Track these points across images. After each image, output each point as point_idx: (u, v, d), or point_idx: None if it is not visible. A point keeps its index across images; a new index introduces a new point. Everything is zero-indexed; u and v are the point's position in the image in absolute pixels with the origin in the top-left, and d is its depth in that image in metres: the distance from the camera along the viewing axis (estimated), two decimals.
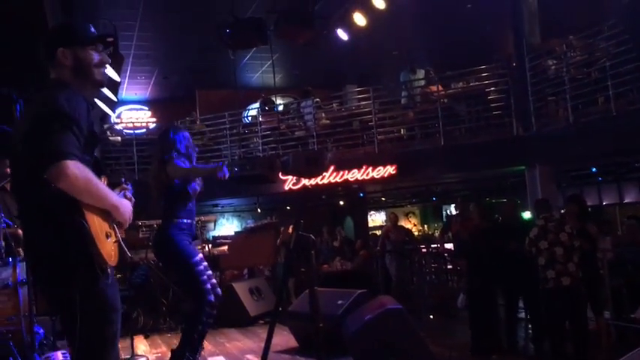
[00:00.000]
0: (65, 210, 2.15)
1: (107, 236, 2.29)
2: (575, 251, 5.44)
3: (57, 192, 2.10)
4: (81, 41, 2.42)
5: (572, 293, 5.45)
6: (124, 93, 14.56)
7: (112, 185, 2.68)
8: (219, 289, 4.44)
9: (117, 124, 14.33)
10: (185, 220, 4.36)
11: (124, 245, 2.44)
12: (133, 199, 2.70)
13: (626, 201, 14.08)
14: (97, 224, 2.23)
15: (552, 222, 5.60)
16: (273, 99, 12.33)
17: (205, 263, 4.43)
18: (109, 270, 2.27)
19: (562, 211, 6.98)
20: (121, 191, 2.63)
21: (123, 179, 2.80)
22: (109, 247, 2.28)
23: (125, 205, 2.40)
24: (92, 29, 2.48)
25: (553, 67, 8.81)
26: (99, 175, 2.42)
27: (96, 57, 2.43)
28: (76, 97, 2.26)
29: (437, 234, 14.94)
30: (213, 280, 4.47)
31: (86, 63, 2.41)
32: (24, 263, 4.30)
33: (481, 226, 6.34)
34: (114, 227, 2.39)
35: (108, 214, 2.33)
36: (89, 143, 2.29)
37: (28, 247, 2.37)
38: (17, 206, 2.41)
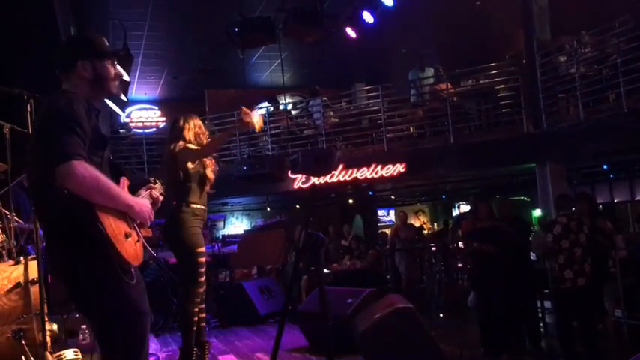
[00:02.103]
0: (79, 214, 2.15)
1: (127, 236, 2.28)
2: (591, 253, 5.41)
3: (69, 196, 2.11)
4: (99, 54, 2.46)
5: (587, 294, 5.42)
6: (134, 93, 14.63)
7: (138, 185, 2.69)
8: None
9: (128, 123, 14.42)
10: (199, 206, 4.38)
11: (146, 244, 2.43)
12: (162, 197, 2.70)
13: (637, 198, 13.97)
14: (113, 225, 2.22)
15: (574, 221, 5.55)
16: (278, 98, 12.33)
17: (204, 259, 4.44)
18: (132, 270, 2.27)
19: (572, 209, 6.93)
20: (147, 190, 2.64)
21: (151, 178, 2.80)
22: (129, 247, 2.27)
23: (141, 204, 2.38)
24: (107, 43, 2.53)
25: (562, 64, 8.76)
26: (119, 176, 2.43)
27: (112, 70, 2.49)
28: (75, 101, 2.28)
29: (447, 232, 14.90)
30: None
31: (104, 76, 2.46)
32: (35, 262, 4.33)
33: (488, 224, 6.29)
34: (134, 227, 2.38)
35: (125, 214, 2.32)
36: (97, 145, 2.31)
37: (51, 254, 2.39)
38: (35, 210, 2.45)
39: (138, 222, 2.40)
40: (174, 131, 4.54)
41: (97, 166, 2.25)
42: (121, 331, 2.24)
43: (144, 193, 2.63)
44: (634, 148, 8.09)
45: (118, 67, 2.54)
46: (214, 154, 4.70)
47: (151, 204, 2.54)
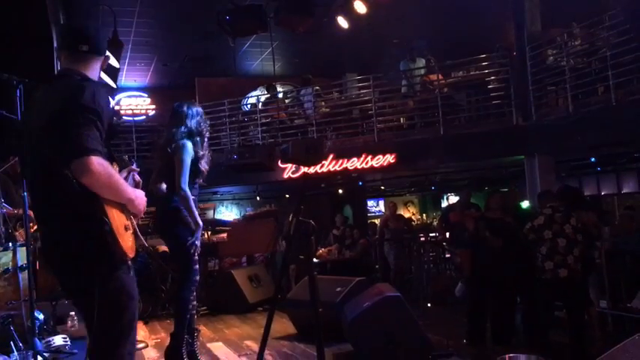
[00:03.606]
0: (87, 207, 2.18)
1: (126, 229, 2.33)
2: (577, 245, 5.46)
3: (78, 187, 2.12)
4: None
5: (568, 285, 5.49)
6: (124, 80, 14.51)
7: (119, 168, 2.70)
8: None
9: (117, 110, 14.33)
10: (191, 197, 4.38)
11: (139, 234, 2.47)
12: (141, 180, 2.72)
13: (624, 191, 14.11)
14: (116, 219, 2.26)
15: (560, 212, 5.60)
16: (275, 86, 12.28)
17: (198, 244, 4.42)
18: (129, 262, 2.31)
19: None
20: (129, 172, 2.65)
21: (131, 160, 2.82)
22: (128, 240, 2.32)
23: (140, 197, 2.42)
24: None
25: (551, 57, 8.80)
26: (111, 162, 2.44)
27: None
28: (100, 91, 2.29)
29: (435, 223, 15.00)
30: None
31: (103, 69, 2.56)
32: (24, 248, 4.32)
33: (498, 214, 6.30)
34: (130, 218, 2.42)
35: (124, 206, 2.36)
36: (108, 135, 2.33)
37: (49, 242, 2.38)
38: (33, 199, 2.43)
39: (132, 213, 2.44)
40: (175, 117, 4.49)
41: (106, 156, 2.27)
42: (114, 317, 2.28)
43: (124, 175, 2.63)
44: (622, 141, 8.15)
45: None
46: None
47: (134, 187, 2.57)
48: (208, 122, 4.82)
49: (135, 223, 2.46)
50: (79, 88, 2.24)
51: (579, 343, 5.41)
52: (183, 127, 4.37)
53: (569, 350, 5.43)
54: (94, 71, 2.44)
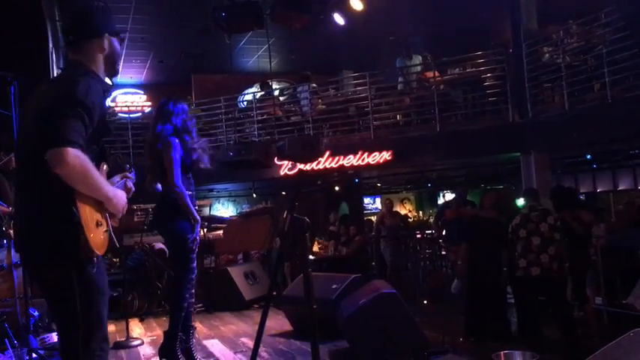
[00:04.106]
0: (59, 196, 2.15)
1: (98, 225, 2.29)
2: (554, 243, 5.48)
3: (54, 177, 2.10)
4: (116, 30, 2.45)
5: (543, 284, 5.52)
6: (119, 76, 14.46)
7: (114, 171, 2.68)
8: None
9: (111, 107, 14.29)
10: (188, 192, 4.36)
11: (113, 235, 2.42)
12: (134, 188, 2.69)
13: (620, 188, 14.16)
14: (88, 213, 2.23)
15: (536, 212, 5.65)
16: (270, 83, 12.26)
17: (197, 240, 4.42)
18: (95, 259, 2.26)
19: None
20: (122, 178, 2.63)
21: (127, 166, 2.79)
22: (98, 236, 2.28)
23: (119, 197, 2.37)
24: None
25: (547, 54, 8.79)
26: (100, 161, 2.41)
27: (119, 49, 2.49)
28: (95, 85, 2.26)
29: (431, 220, 15.01)
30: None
31: (117, 53, 2.46)
32: None
33: (492, 214, 6.33)
34: (106, 216, 2.39)
35: (101, 202, 2.33)
36: (99, 133, 2.30)
37: (18, 226, 2.36)
38: (15, 188, 2.40)
39: (110, 212, 2.40)
40: (161, 114, 4.49)
41: (92, 152, 2.25)
42: (83, 312, 2.23)
43: (118, 180, 2.62)
44: (617, 138, 8.16)
45: None
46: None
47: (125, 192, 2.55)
48: (195, 119, 4.84)
49: (110, 222, 2.41)
50: (73, 82, 2.22)
51: (569, 339, 5.44)
52: (168, 125, 4.37)
53: (562, 346, 5.46)
54: (92, 58, 2.36)
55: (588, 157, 11.65)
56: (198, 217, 4.35)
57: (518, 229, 5.67)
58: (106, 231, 2.37)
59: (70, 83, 2.23)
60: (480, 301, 6.01)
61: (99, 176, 2.24)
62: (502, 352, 3.61)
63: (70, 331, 2.27)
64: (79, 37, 2.36)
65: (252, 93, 12.35)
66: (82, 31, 2.37)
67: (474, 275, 6.14)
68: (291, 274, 9.16)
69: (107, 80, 2.50)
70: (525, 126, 8.85)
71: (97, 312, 2.28)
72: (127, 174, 2.69)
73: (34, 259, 2.30)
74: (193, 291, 4.48)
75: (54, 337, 5.16)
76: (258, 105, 11.53)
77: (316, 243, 10.92)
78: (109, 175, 2.56)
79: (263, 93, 12.11)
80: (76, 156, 2.09)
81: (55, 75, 2.50)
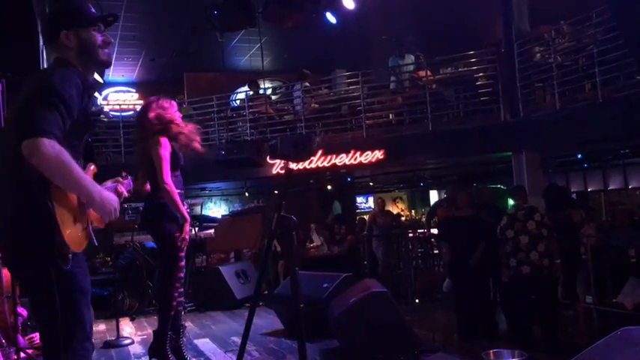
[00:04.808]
0: (34, 187, 2.10)
1: (75, 221, 2.24)
2: (542, 240, 5.50)
3: (30, 170, 2.06)
4: (83, 22, 2.40)
5: (532, 282, 5.55)
6: (111, 74, 14.41)
7: (110, 174, 2.65)
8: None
9: (102, 105, 14.22)
10: (177, 191, 4.34)
11: (92, 234, 2.36)
12: (126, 194, 2.65)
13: (610, 188, 14.23)
14: (65, 206, 2.18)
15: (522, 210, 5.68)
16: (259, 83, 12.22)
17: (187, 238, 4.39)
18: (69, 255, 2.19)
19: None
20: (114, 182, 2.59)
21: (123, 174, 2.74)
22: (75, 233, 2.23)
23: (107, 200, 2.24)
24: (92, 9, 2.45)
25: (538, 54, 8.82)
26: (88, 161, 2.38)
27: (99, 38, 2.42)
28: (71, 77, 2.23)
29: (423, 219, 15.04)
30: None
31: (90, 44, 2.40)
32: None
33: (467, 212, 6.36)
34: (87, 214, 2.33)
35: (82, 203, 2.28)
36: (80, 127, 2.26)
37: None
38: None
39: (93, 211, 2.33)
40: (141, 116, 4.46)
41: (74, 149, 2.21)
42: (64, 309, 2.19)
43: (110, 184, 2.59)
44: (608, 137, 8.19)
45: (106, 34, 2.46)
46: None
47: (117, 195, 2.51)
48: (188, 114, 4.81)
49: (90, 220, 2.36)
50: (48, 73, 2.24)
51: (556, 337, 5.47)
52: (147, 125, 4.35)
53: (551, 344, 5.49)
54: (66, 53, 2.34)
55: (579, 156, 11.71)
56: (187, 217, 4.32)
57: (505, 230, 5.69)
58: (85, 228, 2.32)
59: (45, 75, 2.25)
60: (467, 300, 6.02)
61: (79, 172, 2.15)
62: (491, 351, 3.63)
63: (51, 332, 2.24)
64: (46, 38, 2.44)
65: (244, 92, 12.32)
66: (47, 32, 2.41)
67: (458, 274, 6.16)
68: (285, 271, 9.15)
69: (97, 77, 2.47)
70: (517, 125, 8.88)
71: (77, 312, 2.24)
72: (119, 179, 2.65)
73: (10, 258, 2.26)
74: (182, 290, 4.46)
75: None
76: (250, 104, 11.51)
77: (308, 242, 10.92)
78: (104, 178, 2.53)
79: (256, 91, 12.08)
80: (51, 146, 2.03)
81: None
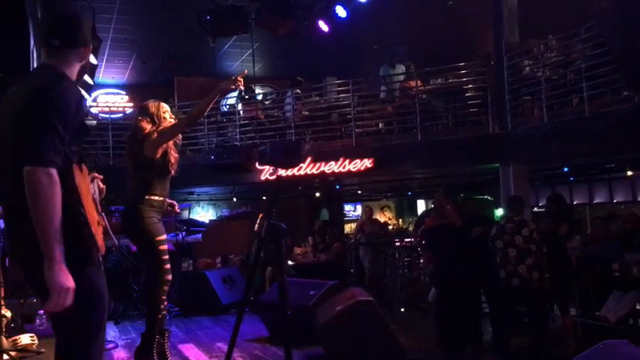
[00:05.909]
0: (64, 196, 2.08)
1: (98, 224, 2.28)
2: (530, 255, 5.54)
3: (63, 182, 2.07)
4: (90, 41, 2.44)
5: (524, 294, 5.59)
6: (101, 76, 14.35)
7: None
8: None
9: (92, 107, 14.15)
10: (158, 198, 4.34)
11: (111, 232, 2.42)
12: (105, 188, 2.65)
13: (595, 201, 14.37)
14: (91, 212, 2.19)
15: (511, 223, 5.71)
16: (254, 87, 12.25)
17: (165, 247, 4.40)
18: (99, 258, 2.24)
19: (534, 209, 7.12)
20: (92, 180, 2.58)
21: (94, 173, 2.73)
22: (100, 236, 2.26)
23: (64, 272, 2.03)
24: None
25: (527, 67, 8.92)
26: (79, 162, 2.37)
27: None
28: (72, 91, 2.22)
29: (410, 228, 15.09)
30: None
31: (87, 63, 2.46)
32: None
33: (455, 222, 6.38)
34: (102, 215, 2.36)
35: (95, 201, 2.31)
36: (78, 135, 2.24)
37: (15, 233, 2.23)
38: (2, 193, 2.27)
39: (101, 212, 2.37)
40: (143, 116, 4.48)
41: (74, 154, 2.20)
42: (83, 316, 2.19)
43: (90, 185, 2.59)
44: (595, 151, 8.28)
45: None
46: (178, 142, 4.62)
47: (98, 193, 2.53)
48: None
49: (105, 220, 2.41)
50: (47, 88, 2.16)
51: (539, 350, 5.51)
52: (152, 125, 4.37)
53: (533, 356, 5.52)
54: (71, 66, 2.31)
55: (565, 169, 11.82)
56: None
57: (495, 240, 5.73)
58: (103, 231, 2.35)
59: (44, 90, 2.16)
60: (449, 309, 6.03)
61: (59, 213, 2.05)
62: None
63: (69, 338, 2.23)
64: (64, 44, 2.30)
65: (234, 97, 12.32)
66: (68, 39, 2.32)
67: (443, 284, 6.18)
68: (272, 278, 9.13)
69: (87, 79, 2.49)
70: (505, 137, 8.95)
71: (97, 318, 2.25)
72: (94, 174, 2.63)
73: (37, 267, 2.10)
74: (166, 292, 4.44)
75: (26, 338, 5.08)
76: (240, 109, 11.51)
77: (296, 249, 10.92)
78: None
79: (246, 97, 12.08)
80: (47, 179, 2.02)
81: (29, 76, 2.42)
